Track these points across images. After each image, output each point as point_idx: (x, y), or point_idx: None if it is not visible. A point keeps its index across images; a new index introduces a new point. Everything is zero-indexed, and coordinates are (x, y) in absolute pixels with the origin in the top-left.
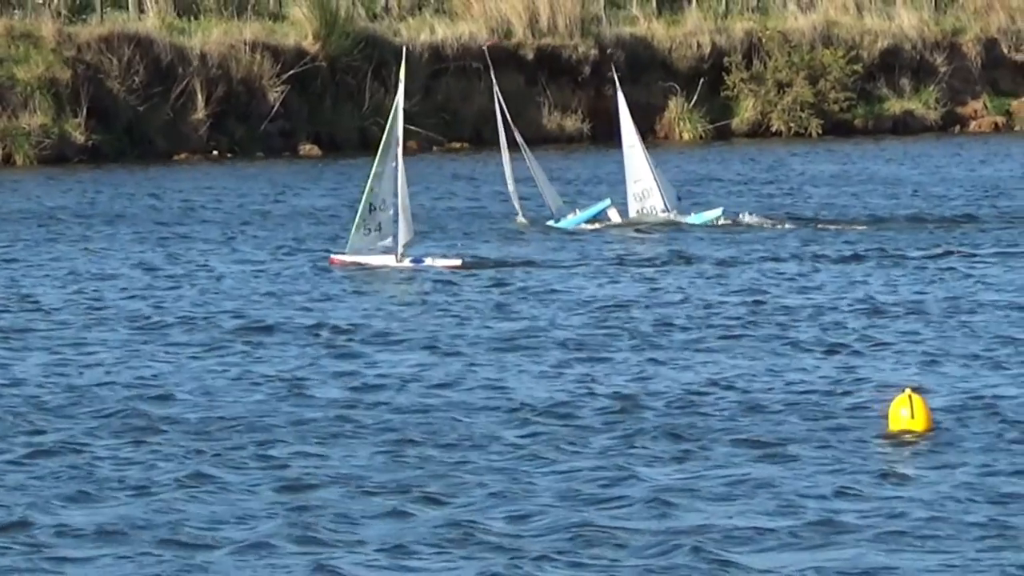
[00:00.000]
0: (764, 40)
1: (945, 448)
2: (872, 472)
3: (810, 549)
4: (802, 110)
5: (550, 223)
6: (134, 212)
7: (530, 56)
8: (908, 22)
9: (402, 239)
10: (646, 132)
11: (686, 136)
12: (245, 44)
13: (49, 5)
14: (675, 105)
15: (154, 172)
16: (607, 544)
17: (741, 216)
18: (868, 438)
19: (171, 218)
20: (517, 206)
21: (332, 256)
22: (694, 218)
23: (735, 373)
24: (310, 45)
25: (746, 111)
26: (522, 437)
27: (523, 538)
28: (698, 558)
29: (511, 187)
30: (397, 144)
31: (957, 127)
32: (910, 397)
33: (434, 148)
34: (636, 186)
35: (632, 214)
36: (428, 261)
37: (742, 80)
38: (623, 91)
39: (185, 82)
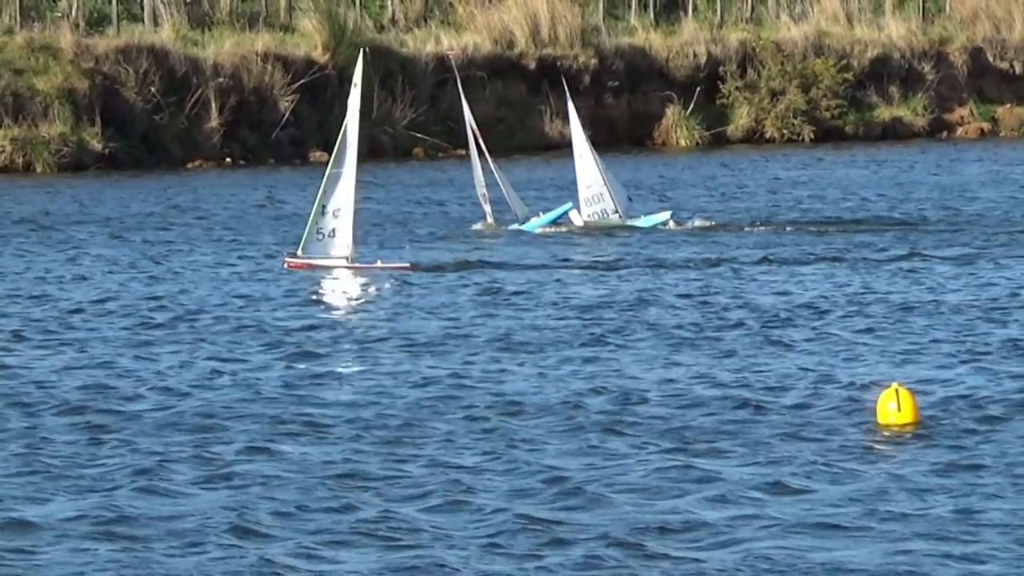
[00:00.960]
0: (758, 50)
1: (884, 443)
2: (810, 466)
3: (745, 541)
4: (795, 117)
5: (514, 226)
6: (126, 216)
7: (532, 66)
8: (897, 32)
9: (351, 241)
10: (644, 138)
11: (683, 143)
12: (257, 55)
13: (67, 18)
14: (672, 113)
15: (166, 179)
16: (547, 537)
17: (690, 220)
18: (811, 434)
19: (159, 222)
20: (486, 209)
21: (286, 259)
22: (643, 221)
23: (683, 371)
24: (319, 55)
25: (741, 118)
26: (470, 433)
27: (466, 531)
28: (632, 551)
29: (480, 191)
30: (351, 147)
31: (944, 133)
32: (896, 391)
33: (439, 154)
34: (588, 191)
35: (584, 217)
36: (379, 263)
37: (737, 88)
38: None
39: (199, 92)
